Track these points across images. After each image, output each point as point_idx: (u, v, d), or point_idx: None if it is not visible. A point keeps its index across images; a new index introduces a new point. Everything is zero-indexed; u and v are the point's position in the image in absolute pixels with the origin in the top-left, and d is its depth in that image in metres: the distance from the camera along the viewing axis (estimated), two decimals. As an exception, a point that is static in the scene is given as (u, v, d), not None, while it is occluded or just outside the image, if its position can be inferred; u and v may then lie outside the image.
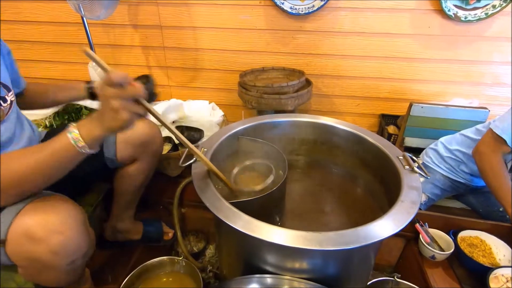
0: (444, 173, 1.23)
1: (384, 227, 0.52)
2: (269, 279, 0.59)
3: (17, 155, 0.57)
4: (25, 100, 0.85)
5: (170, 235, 1.11)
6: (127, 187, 0.90)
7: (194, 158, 0.70)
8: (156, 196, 1.25)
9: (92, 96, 0.88)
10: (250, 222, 0.54)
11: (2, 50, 0.75)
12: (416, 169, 0.65)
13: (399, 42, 1.67)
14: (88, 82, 0.90)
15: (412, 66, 1.71)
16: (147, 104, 0.55)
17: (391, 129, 1.73)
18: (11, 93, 0.75)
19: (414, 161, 0.67)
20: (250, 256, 0.62)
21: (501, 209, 1.12)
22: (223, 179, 0.68)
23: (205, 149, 0.73)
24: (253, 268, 0.62)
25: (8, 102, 0.73)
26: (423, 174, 0.64)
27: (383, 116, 1.84)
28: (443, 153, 1.25)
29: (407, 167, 0.66)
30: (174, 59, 1.90)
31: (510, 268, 0.89)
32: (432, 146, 1.34)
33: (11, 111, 0.74)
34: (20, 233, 0.57)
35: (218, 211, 0.57)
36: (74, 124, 0.56)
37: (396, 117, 1.78)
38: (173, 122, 1.31)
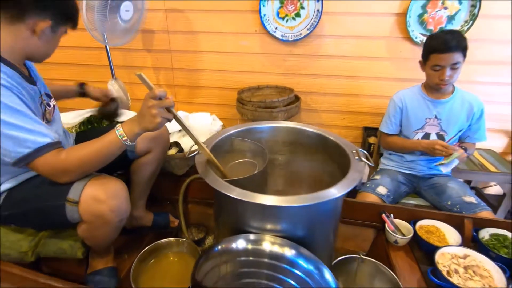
0: (394, 169, 1.53)
1: (333, 192, 0.73)
2: (252, 236, 0.79)
3: (81, 147, 0.82)
4: None
5: (176, 223, 1.31)
6: (143, 174, 1.13)
7: (197, 151, 0.92)
8: (164, 194, 1.46)
9: (82, 94, 1.22)
10: (241, 192, 0.75)
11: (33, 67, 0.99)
12: (362, 159, 0.86)
13: (377, 64, 1.93)
14: (81, 84, 1.21)
15: (389, 85, 1.95)
16: (175, 112, 0.80)
17: (372, 139, 1.95)
18: (52, 99, 0.99)
19: (363, 154, 0.89)
20: (240, 221, 0.82)
21: (448, 203, 1.33)
22: (218, 166, 0.90)
23: (206, 145, 0.96)
24: (242, 232, 0.83)
25: (52, 106, 0.97)
26: (367, 162, 0.86)
27: (365, 128, 2.07)
28: (388, 155, 1.60)
29: (357, 158, 0.88)
30: (181, 78, 2.17)
31: (453, 247, 1.08)
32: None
33: (55, 113, 0.98)
34: (89, 197, 0.81)
35: (218, 186, 0.78)
36: (119, 124, 0.80)
37: (376, 129, 2.01)
38: (179, 130, 1.55)
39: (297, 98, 1.89)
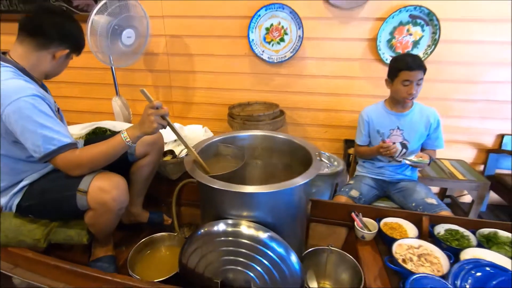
0: (367, 175, 1.71)
1: (295, 182, 0.91)
2: (230, 221, 0.95)
3: (92, 146, 1.01)
4: None
5: (169, 221, 1.47)
6: (141, 175, 1.31)
7: (186, 153, 1.11)
8: (160, 196, 1.63)
9: None
10: (223, 184, 0.92)
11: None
12: (322, 159, 1.05)
13: (353, 83, 2.14)
14: None
15: (365, 101, 2.15)
16: (168, 119, 1.00)
17: (351, 150, 2.13)
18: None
19: (324, 155, 1.08)
20: (220, 209, 0.98)
21: (413, 204, 1.49)
22: (203, 164, 1.07)
23: (194, 149, 1.14)
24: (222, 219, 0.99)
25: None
26: (326, 161, 1.04)
27: (346, 141, 2.26)
28: (362, 163, 1.77)
29: (318, 158, 1.06)
30: (178, 95, 2.39)
31: (409, 239, 1.24)
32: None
33: (62, 117, 1.18)
34: (96, 187, 0.99)
35: (203, 180, 0.96)
36: (124, 129, 1.00)
37: (355, 141, 2.20)
38: (175, 140, 1.74)
39: (282, 113, 2.10)
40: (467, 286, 1.01)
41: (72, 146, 0.98)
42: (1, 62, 0.97)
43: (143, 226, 1.45)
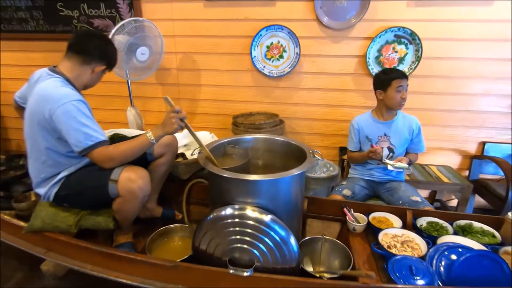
0: (358, 176, 1.88)
1: (292, 172, 1.09)
2: (236, 205, 1.12)
3: (122, 143, 1.20)
4: None
5: (180, 216, 1.64)
6: (157, 172, 1.49)
7: (199, 151, 1.29)
8: (172, 195, 1.80)
9: None
10: (231, 173, 1.10)
11: None
12: (315, 156, 1.23)
13: (347, 95, 2.35)
14: None
15: (357, 111, 2.32)
16: (186, 122, 1.19)
17: (345, 156, 2.32)
18: None
19: (317, 153, 1.26)
20: (228, 196, 1.15)
21: (400, 202, 1.66)
22: (214, 160, 1.26)
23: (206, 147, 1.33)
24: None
25: None
26: (318, 158, 1.23)
27: (341, 148, 2.44)
28: (354, 166, 1.95)
29: (312, 155, 1.24)
30: (186, 106, 2.60)
31: (394, 229, 1.40)
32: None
33: None
34: (125, 177, 1.16)
35: (214, 170, 1.13)
36: (148, 130, 1.19)
37: (349, 148, 2.38)
38: (185, 145, 1.93)
39: (281, 122, 2.29)
40: (441, 266, 1.17)
41: (106, 142, 1.17)
42: (53, 73, 1.18)
43: (157, 221, 1.61)
